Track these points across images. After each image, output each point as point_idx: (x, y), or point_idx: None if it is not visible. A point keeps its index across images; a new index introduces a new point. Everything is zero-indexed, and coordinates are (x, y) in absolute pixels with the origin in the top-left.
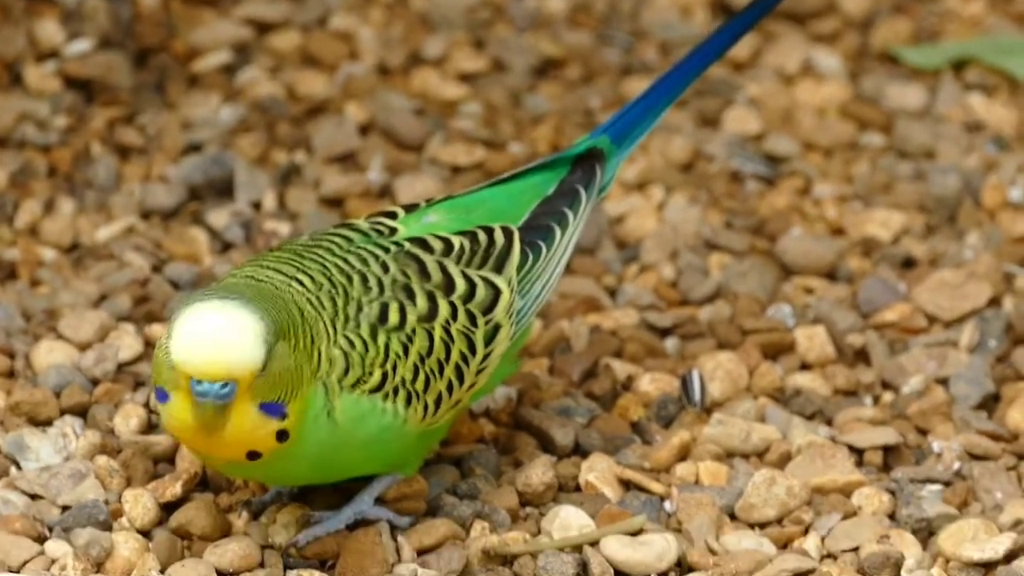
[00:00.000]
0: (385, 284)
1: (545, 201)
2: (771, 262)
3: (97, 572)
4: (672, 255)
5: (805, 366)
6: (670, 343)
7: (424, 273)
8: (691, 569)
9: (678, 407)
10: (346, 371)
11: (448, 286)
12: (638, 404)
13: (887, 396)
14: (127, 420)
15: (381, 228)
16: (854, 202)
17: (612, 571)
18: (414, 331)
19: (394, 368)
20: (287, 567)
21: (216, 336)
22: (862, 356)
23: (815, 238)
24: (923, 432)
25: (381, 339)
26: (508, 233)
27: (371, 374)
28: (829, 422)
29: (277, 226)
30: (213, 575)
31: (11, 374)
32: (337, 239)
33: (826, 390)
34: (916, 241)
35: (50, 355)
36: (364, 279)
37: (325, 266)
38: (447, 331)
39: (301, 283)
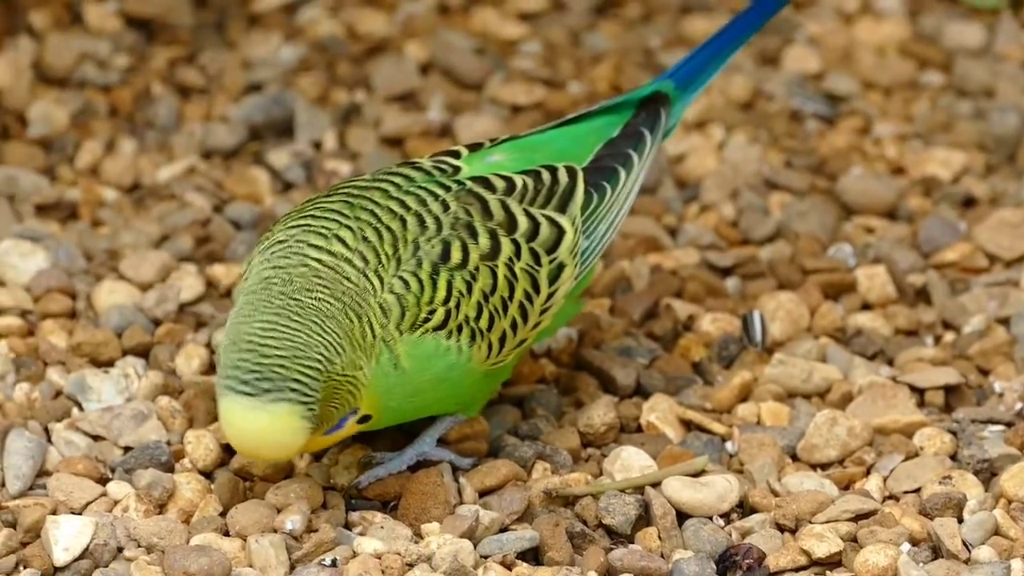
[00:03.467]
0: (444, 223)
1: (610, 143)
2: (831, 201)
3: (159, 513)
4: (732, 194)
5: (866, 306)
6: (731, 283)
7: (486, 212)
8: (753, 510)
9: (739, 347)
10: (403, 314)
11: (511, 224)
12: (699, 344)
13: (948, 336)
14: (189, 360)
15: (444, 167)
16: (914, 141)
17: (674, 512)
18: (477, 269)
19: (457, 306)
20: (349, 508)
21: (255, 440)
22: (923, 296)
23: (875, 177)
24: (984, 372)
25: (443, 277)
26: (572, 173)
27: (433, 312)
28: (890, 362)
29: (337, 166)
30: (275, 516)
31: (73, 315)
32: (397, 179)
33: (887, 330)
34: (976, 180)
35: (112, 296)
36: (421, 219)
37: (374, 212)
38: (510, 269)
39: (342, 241)
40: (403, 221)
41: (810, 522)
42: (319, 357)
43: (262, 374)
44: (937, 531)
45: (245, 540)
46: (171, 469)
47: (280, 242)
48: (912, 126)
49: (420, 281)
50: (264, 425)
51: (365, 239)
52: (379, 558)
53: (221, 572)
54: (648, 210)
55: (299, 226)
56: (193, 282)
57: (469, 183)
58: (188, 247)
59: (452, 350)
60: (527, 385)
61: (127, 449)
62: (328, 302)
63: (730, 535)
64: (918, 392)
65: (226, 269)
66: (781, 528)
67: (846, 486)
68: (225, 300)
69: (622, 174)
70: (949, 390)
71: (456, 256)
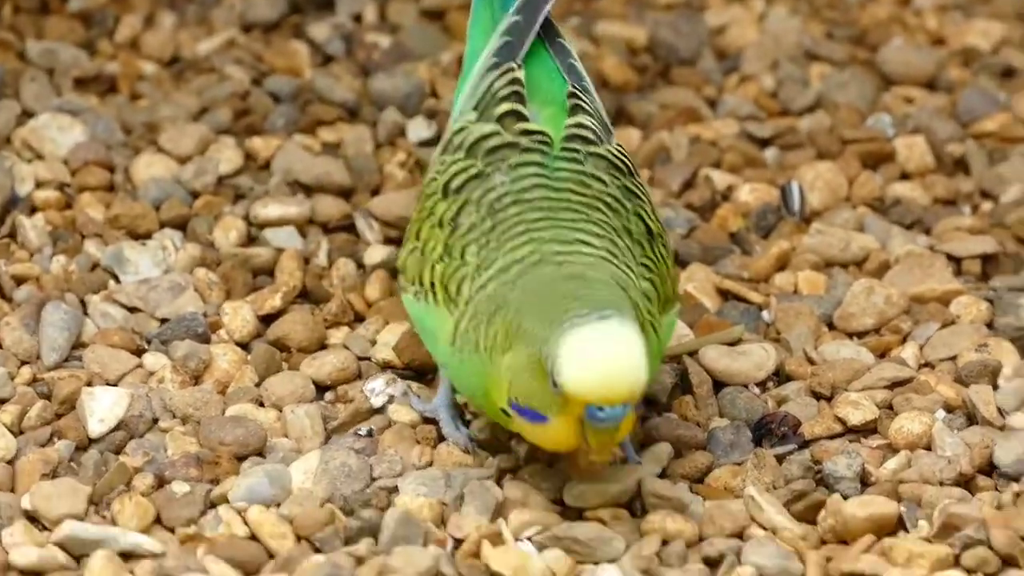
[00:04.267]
0: (617, 196)
1: (548, 52)
2: (871, 72)
3: (195, 384)
4: (772, 65)
5: (904, 175)
6: (769, 153)
7: (614, 167)
8: (789, 378)
9: (777, 217)
10: (657, 297)
11: (631, 170)
12: (737, 214)
13: (986, 205)
14: (227, 233)
15: (539, 141)
16: (954, 12)
17: (710, 380)
18: (656, 225)
19: (668, 270)
20: None
21: (617, 361)
22: (961, 165)
23: (915, 48)
24: (1021, 241)
25: (658, 250)
26: (578, 96)
27: (664, 286)
28: (928, 231)
29: (378, 39)
30: (310, 387)
31: (111, 187)
32: (542, 171)
33: (925, 199)
34: (1016, 51)
35: (150, 168)
36: (607, 204)
37: (577, 211)
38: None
39: (586, 243)
40: (599, 210)
41: (846, 390)
42: (623, 290)
43: (607, 312)
44: (972, 398)
45: (281, 411)
46: (207, 340)
47: (531, 262)
48: None
49: (654, 261)
50: (620, 348)
51: (601, 237)
52: (414, 428)
53: (256, 442)
54: (688, 81)
55: (527, 243)
56: (232, 155)
57: (581, 147)
58: (227, 120)
59: (677, 313)
60: None
61: (163, 321)
62: (616, 282)
63: (766, 403)
64: (955, 261)
65: (264, 142)
66: (817, 396)
67: (882, 354)
68: (263, 172)
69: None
70: (986, 259)
71: (652, 225)
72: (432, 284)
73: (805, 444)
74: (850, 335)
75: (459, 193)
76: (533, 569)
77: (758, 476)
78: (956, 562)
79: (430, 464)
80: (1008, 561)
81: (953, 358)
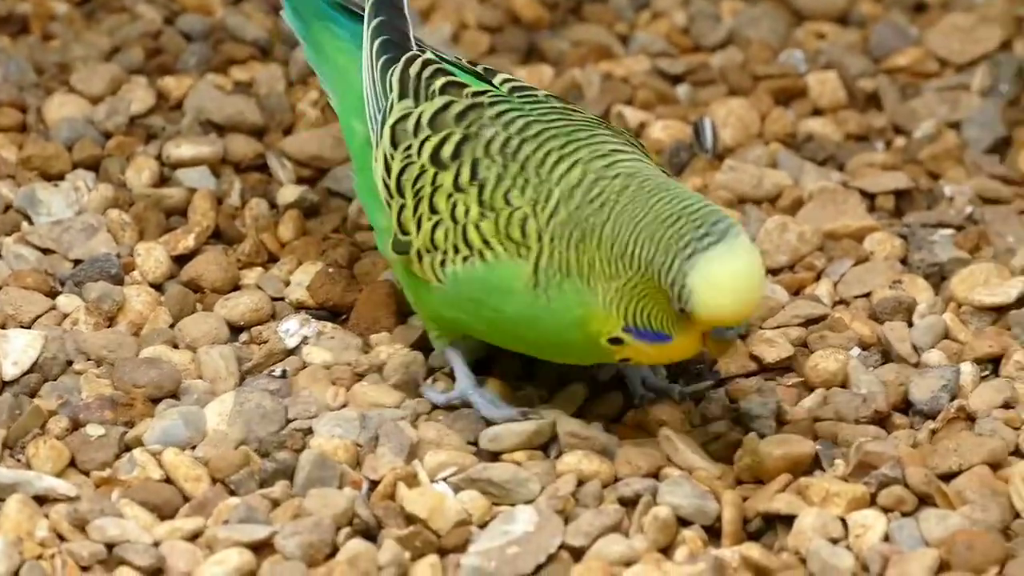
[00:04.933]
0: (597, 118)
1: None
2: (783, 7)
3: (109, 326)
4: (684, 2)
5: (817, 111)
6: (682, 90)
7: (569, 103)
8: None
9: (690, 154)
10: None
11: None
12: (650, 151)
13: (899, 141)
14: (139, 173)
15: (498, 95)
16: None
17: None
18: None
19: None
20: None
21: (746, 284)
22: (874, 100)
23: None
24: (935, 176)
25: None
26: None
27: None
28: (841, 167)
29: None
30: (224, 328)
31: (23, 128)
32: (527, 116)
33: (838, 135)
34: None
35: (62, 109)
36: (598, 123)
37: (586, 130)
38: None
39: (623, 151)
40: (597, 128)
41: (760, 328)
42: None
43: (732, 231)
44: (887, 335)
45: (195, 352)
46: (121, 282)
47: (591, 181)
48: None
49: None
50: (749, 269)
51: (621, 146)
52: (328, 369)
53: (171, 384)
54: (599, 18)
55: (572, 168)
56: (144, 94)
57: (533, 92)
58: (139, 60)
59: None
60: None
61: (77, 262)
62: None
63: None
64: (868, 197)
65: (176, 81)
66: None
67: (796, 291)
68: (175, 112)
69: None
70: (899, 194)
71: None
72: (485, 241)
73: (721, 382)
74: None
75: (458, 157)
76: (448, 510)
77: (674, 414)
78: (872, 501)
79: (345, 405)
80: (924, 499)
81: (867, 295)
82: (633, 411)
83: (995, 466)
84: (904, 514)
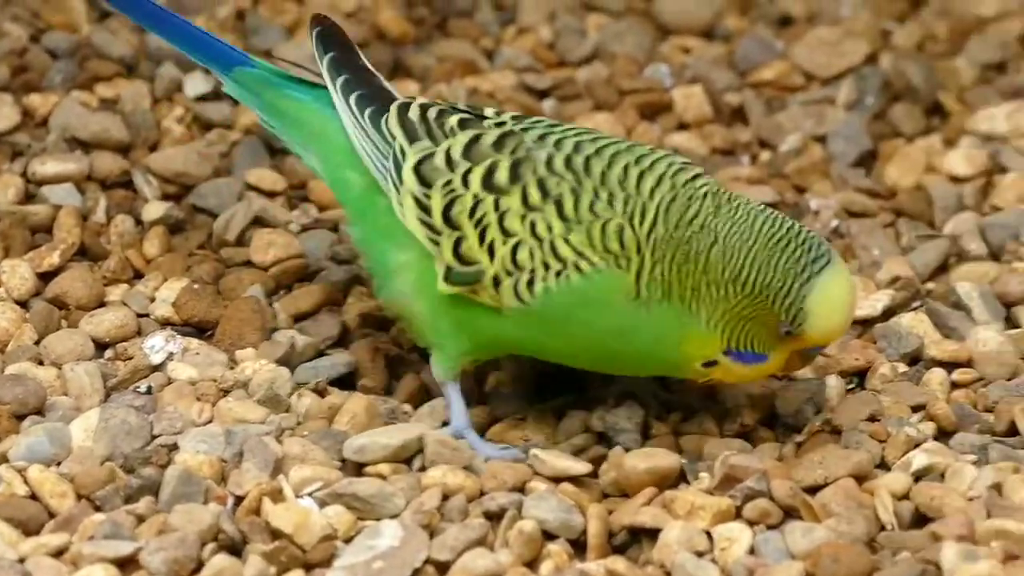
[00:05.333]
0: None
1: None
2: (648, 22)
3: None
4: (550, 16)
5: (683, 126)
6: (548, 104)
7: None
8: None
9: None
10: None
11: None
12: None
13: (765, 154)
14: (5, 190)
15: (517, 120)
16: None
17: None
18: None
19: None
20: None
21: (852, 303)
22: (739, 115)
23: None
24: (801, 190)
25: None
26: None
27: None
28: None
29: None
30: (90, 345)
31: None
32: (569, 137)
33: (704, 149)
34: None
35: None
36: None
37: (636, 146)
38: None
39: (691, 166)
40: (636, 144)
41: None
42: None
43: (829, 252)
44: None
45: (60, 369)
46: None
47: (686, 197)
48: None
49: None
50: (850, 287)
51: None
52: (194, 385)
53: (36, 400)
54: (465, 33)
55: (658, 184)
56: (9, 112)
57: (541, 119)
58: (4, 77)
59: None
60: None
61: None
62: None
63: None
64: None
65: (42, 98)
66: None
67: None
68: (41, 129)
69: None
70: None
71: None
72: (579, 253)
73: (583, 396)
74: None
75: (518, 180)
76: (314, 525)
77: (538, 428)
78: (738, 514)
79: (210, 421)
80: (789, 512)
81: None
82: (499, 424)
83: (860, 479)
84: (770, 527)
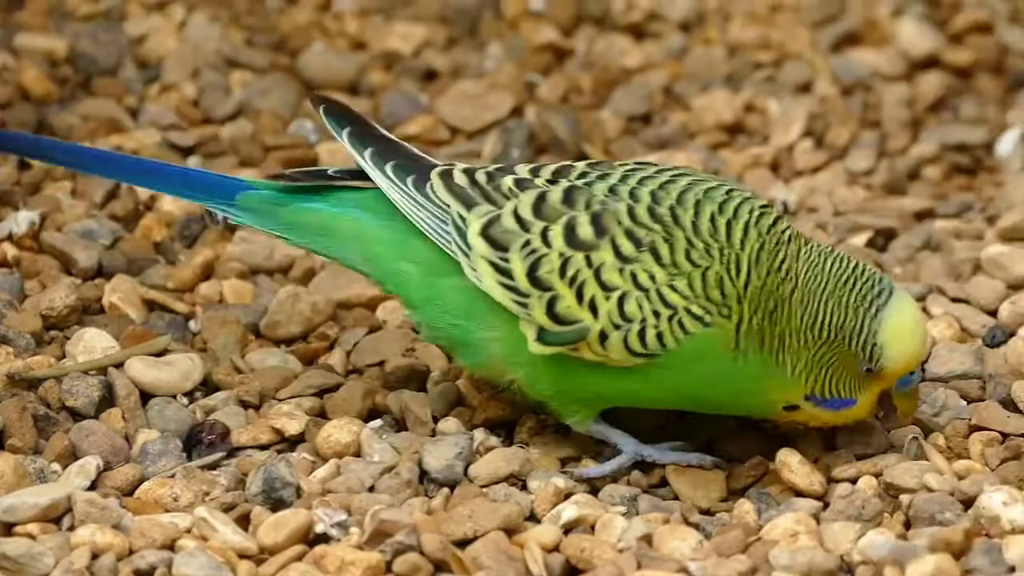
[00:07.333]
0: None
1: None
2: (292, 78)
3: None
4: (194, 74)
5: None
6: (193, 161)
7: None
8: (217, 388)
9: (201, 226)
10: None
11: None
12: (161, 224)
13: None
14: None
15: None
16: (375, 16)
17: (137, 392)
18: None
19: None
20: None
21: (921, 328)
22: None
23: (336, 53)
24: None
25: None
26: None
27: None
28: None
29: None
30: None
31: None
32: (626, 185)
33: None
34: (437, 53)
35: None
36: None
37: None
38: None
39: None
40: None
41: (274, 398)
42: None
43: (887, 278)
44: (401, 404)
45: None
46: None
47: (774, 244)
48: (374, 1)
49: None
50: (918, 311)
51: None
52: None
53: None
54: (109, 91)
55: (741, 230)
56: None
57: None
58: None
59: None
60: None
61: None
62: None
63: (194, 413)
64: None
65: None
66: (245, 405)
67: (310, 361)
68: None
69: None
70: None
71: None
72: (687, 304)
73: (233, 453)
74: (277, 343)
75: (604, 234)
76: None
77: (187, 486)
78: (388, 568)
79: None
80: (440, 566)
81: (381, 363)
82: (148, 482)
83: (510, 531)
84: None
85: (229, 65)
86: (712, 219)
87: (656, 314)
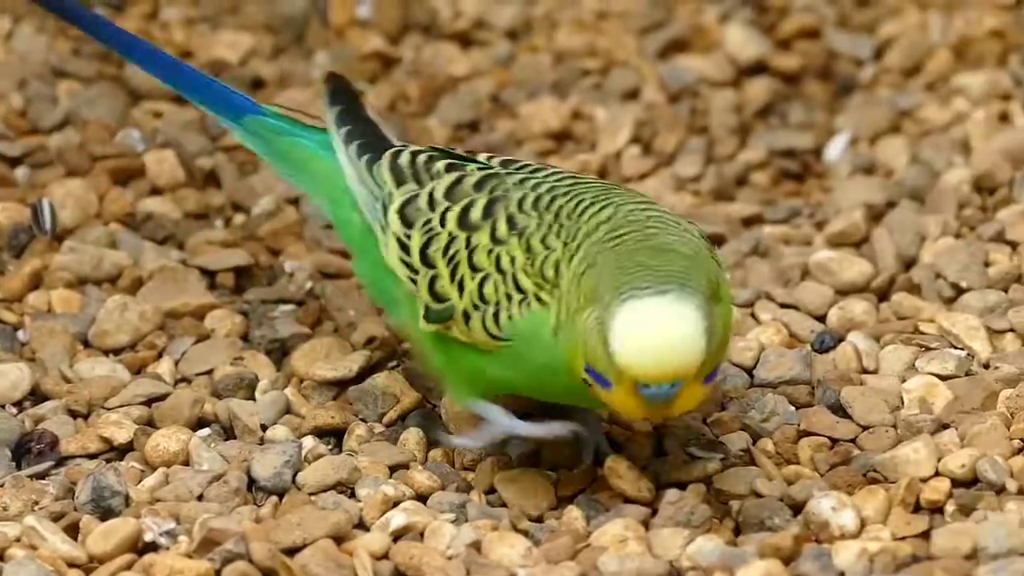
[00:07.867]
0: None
1: None
2: (120, 88)
3: None
4: (20, 84)
5: (156, 190)
6: (20, 172)
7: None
8: (46, 397)
9: (29, 236)
10: None
11: None
12: None
13: (239, 217)
14: None
15: (504, 163)
16: (201, 24)
17: None
18: None
19: None
20: None
21: (664, 341)
22: (213, 178)
23: None
24: (275, 252)
25: None
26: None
27: None
28: (181, 246)
29: None
30: None
31: None
32: (549, 179)
33: (177, 213)
34: (264, 61)
35: None
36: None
37: (612, 189)
38: None
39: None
40: (614, 189)
41: (103, 407)
42: (697, 257)
43: (665, 285)
44: (230, 412)
45: None
46: None
47: (619, 219)
48: (199, 10)
49: None
50: (670, 324)
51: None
52: None
53: None
54: None
55: (605, 207)
56: None
57: (528, 163)
58: None
59: None
60: None
61: None
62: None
63: (23, 422)
64: (209, 275)
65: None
66: (74, 414)
67: (138, 370)
68: None
69: None
70: (239, 271)
71: None
72: (538, 284)
73: (62, 462)
74: (106, 352)
75: (490, 216)
76: None
77: (16, 495)
78: None
79: None
80: (269, 574)
81: (210, 372)
82: None
83: (339, 539)
84: None
85: (56, 75)
86: (579, 202)
87: (508, 297)
